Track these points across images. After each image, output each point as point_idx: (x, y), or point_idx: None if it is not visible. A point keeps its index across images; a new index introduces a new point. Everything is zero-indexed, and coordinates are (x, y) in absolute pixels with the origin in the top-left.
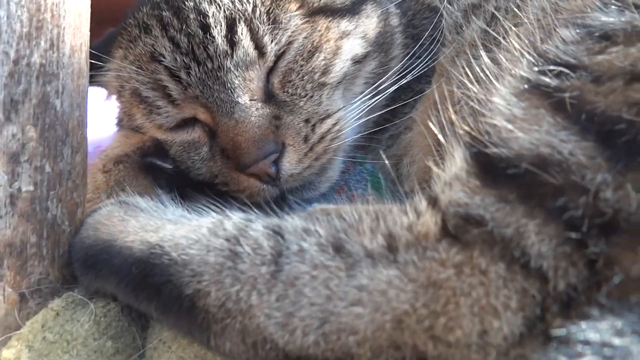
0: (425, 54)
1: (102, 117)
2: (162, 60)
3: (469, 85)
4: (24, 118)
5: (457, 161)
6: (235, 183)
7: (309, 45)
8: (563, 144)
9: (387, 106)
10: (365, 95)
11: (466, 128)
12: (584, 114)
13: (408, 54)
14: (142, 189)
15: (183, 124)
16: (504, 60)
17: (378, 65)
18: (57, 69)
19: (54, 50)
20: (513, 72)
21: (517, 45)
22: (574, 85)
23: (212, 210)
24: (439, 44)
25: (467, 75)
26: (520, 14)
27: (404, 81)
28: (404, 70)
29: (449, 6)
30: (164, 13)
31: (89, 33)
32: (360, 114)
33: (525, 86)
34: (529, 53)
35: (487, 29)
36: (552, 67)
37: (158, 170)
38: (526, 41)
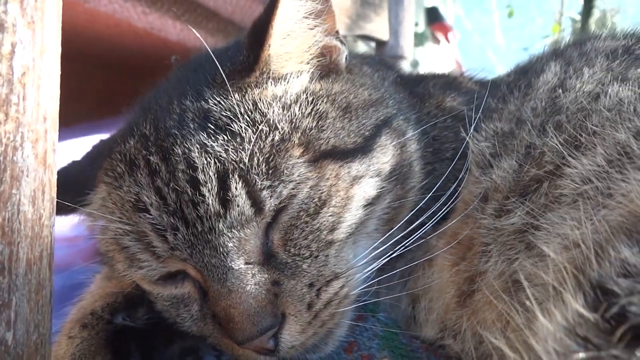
0: (447, 185)
1: None
2: (147, 215)
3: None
4: None
5: None
6: (228, 349)
7: (316, 199)
8: None
9: (402, 236)
10: (378, 240)
11: None
12: None
13: (426, 180)
14: None
15: (170, 276)
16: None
17: (393, 199)
18: (9, 295)
19: (4, 276)
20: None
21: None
22: None
23: None
24: (464, 173)
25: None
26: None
27: (419, 224)
28: (421, 205)
29: (474, 133)
30: (151, 158)
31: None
32: (374, 264)
33: None
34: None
35: (520, 174)
36: None
37: (128, 332)
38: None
